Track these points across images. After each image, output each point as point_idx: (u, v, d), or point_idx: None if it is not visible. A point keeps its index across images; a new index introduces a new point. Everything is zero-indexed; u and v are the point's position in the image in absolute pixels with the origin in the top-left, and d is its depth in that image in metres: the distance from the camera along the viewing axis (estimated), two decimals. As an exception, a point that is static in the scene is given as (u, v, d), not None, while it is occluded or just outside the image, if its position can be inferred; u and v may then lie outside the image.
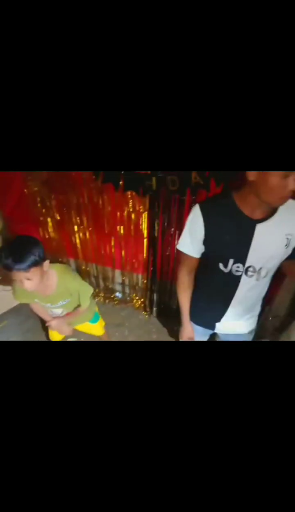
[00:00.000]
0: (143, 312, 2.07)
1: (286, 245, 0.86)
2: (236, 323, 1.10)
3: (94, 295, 2.08)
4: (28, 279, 1.04)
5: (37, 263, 1.04)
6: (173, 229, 1.58)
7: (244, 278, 0.94)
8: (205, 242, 0.94)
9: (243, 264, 0.91)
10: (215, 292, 1.03)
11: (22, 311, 2.08)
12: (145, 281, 1.91)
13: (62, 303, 1.28)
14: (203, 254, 0.99)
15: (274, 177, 0.73)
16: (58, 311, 1.34)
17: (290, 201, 0.83)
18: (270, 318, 1.66)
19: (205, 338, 1.24)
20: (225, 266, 0.94)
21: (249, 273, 0.93)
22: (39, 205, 1.81)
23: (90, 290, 1.29)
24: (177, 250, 1.03)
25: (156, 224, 1.60)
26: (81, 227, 1.80)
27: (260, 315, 1.15)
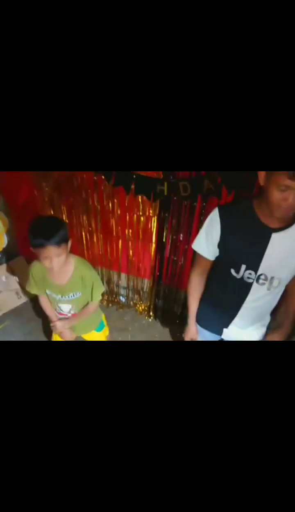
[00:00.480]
0: (146, 317, 2.05)
1: None
2: (244, 331, 1.09)
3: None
4: (58, 255, 1.08)
5: (66, 240, 1.09)
6: (182, 235, 1.59)
7: (255, 286, 0.94)
8: (220, 245, 0.94)
9: (255, 271, 0.91)
10: (225, 297, 1.03)
11: (24, 313, 2.07)
12: (150, 286, 1.91)
13: (72, 297, 1.27)
14: (217, 258, 1.00)
15: (274, 190, 0.74)
16: (66, 308, 1.32)
17: None
18: (273, 328, 1.65)
19: (212, 344, 1.23)
20: (237, 272, 0.94)
21: (261, 281, 0.93)
22: (48, 206, 1.81)
23: (102, 287, 1.30)
24: (187, 250, 1.04)
25: (165, 230, 1.60)
26: (90, 229, 1.80)
27: (268, 327, 1.13)
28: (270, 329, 1.13)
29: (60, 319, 1.36)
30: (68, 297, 1.26)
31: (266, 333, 1.13)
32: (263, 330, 1.12)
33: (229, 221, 0.90)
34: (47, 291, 1.27)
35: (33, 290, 1.29)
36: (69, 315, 1.35)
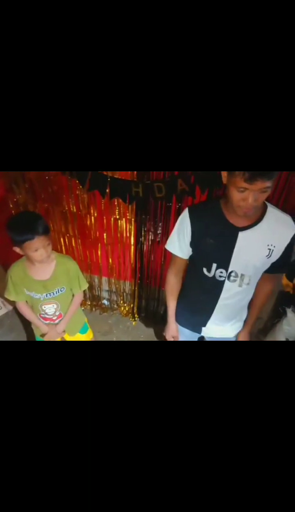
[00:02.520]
0: (130, 319, 2.05)
1: (267, 255, 0.89)
2: (222, 328, 1.11)
3: (82, 303, 2.05)
4: (47, 245, 1.10)
5: (49, 229, 1.11)
6: (159, 236, 1.59)
7: (227, 284, 0.96)
8: (192, 245, 0.97)
9: (226, 269, 0.93)
10: (200, 297, 1.05)
11: (5, 323, 2.03)
12: (132, 288, 1.91)
13: (57, 293, 1.25)
14: (191, 257, 1.02)
15: (234, 191, 0.76)
16: (51, 310, 1.30)
17: (275, 211, 0.86)
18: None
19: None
20: (209, 270, 0.96)
21: (232, 278, 0.95)
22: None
23: (86, 283, 1.34)
24: (166, 250, 1.06)
25: (143, 231, 1.61)
26: (67, 235, 1.78)
27: (246, 320, 1.16)
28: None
29: (47, 324, 1.34)
30: (53, 293, 1.24)
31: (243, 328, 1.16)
32: (241, 324, 1.14)
33: (198, 221, 0.92)
34: (30, 293, 1.23)
35: (12, 296, 1.24)
36: (55, 318, 1.32)
